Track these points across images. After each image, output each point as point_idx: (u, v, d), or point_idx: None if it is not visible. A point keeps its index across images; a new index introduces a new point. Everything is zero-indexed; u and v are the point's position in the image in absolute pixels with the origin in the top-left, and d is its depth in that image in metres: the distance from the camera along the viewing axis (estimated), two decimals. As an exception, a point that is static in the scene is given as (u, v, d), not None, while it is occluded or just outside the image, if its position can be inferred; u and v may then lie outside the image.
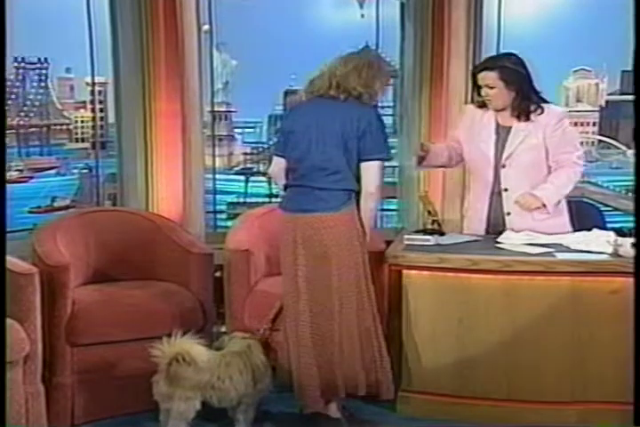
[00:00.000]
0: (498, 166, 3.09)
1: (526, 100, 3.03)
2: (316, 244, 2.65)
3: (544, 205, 3.02)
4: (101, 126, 4.31)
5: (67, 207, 4.16)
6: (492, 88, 3.02)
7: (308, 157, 2.68)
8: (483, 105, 3.13)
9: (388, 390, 2.77)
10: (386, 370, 2.75)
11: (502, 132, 3.09)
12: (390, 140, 4.25)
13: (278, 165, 2.82)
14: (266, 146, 4.57)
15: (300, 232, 2.67)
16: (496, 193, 3.11)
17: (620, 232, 2.90)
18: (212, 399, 2.64)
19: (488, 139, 3.09)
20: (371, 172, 2.67)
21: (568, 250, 2.89)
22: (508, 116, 3.07)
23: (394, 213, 4.21)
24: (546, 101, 3.09)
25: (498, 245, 2.95)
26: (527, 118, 3.03)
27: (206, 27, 4.05)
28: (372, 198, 2.71)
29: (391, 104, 4.29)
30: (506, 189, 3.08)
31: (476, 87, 3.09)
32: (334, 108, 2.67)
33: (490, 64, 3.06)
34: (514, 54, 3.06)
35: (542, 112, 3.03)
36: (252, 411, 2.75)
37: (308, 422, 2.73)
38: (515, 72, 3.00)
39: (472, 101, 3.31)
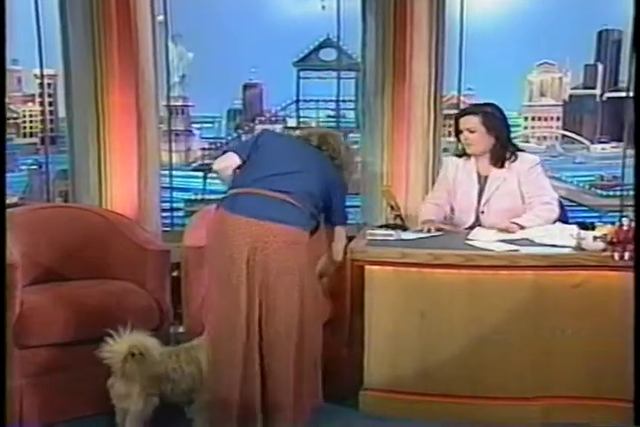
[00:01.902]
0: (478, 213, 3.28)
1: (504, 147, 3.23)
2: (280, 258, 2.55)
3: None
4: (51, 121, 4.28)
5: (15, 205, 4.08)
6: (472, 132, 3.21)
7: (290, 177, 2.66)
8: (462, 154, 3.33)
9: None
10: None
11: (482, 182, 3.28)
12: (353, 135, 4.35)
13: (232, 163, 2.74)
14: (225, 141, 4.57)
15: (258, 241, 2.55)
16: None
17: (583, 225, 2.98)
18: (167, 392, 2.66)
19: (471, 188, 3.29)
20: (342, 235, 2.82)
21: (532, 244, 2.96)
22: (487, 163, 3.26)
23: (357, 208, 4.25)
24: (520, 150, 3.31)
25: (468, 242, 3.00)
26: (502, 165, 3.23)
27: (161, 17, 4.03)
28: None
29: (353, 98, 4.33)
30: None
31: (457, 132, 3.28)
32: (320, 160, 2.78)
33: (473, 109, 3.29)
34: (494, 104, 3.29)
35: (516, 159, 3.23)
36: (207, 412, 2.73)
37: None
38: (496, 119, 3.21)
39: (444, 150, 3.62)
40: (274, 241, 2.55)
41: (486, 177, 3.27)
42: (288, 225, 2.58)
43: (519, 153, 3.27)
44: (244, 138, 4.59)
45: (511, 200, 3.22)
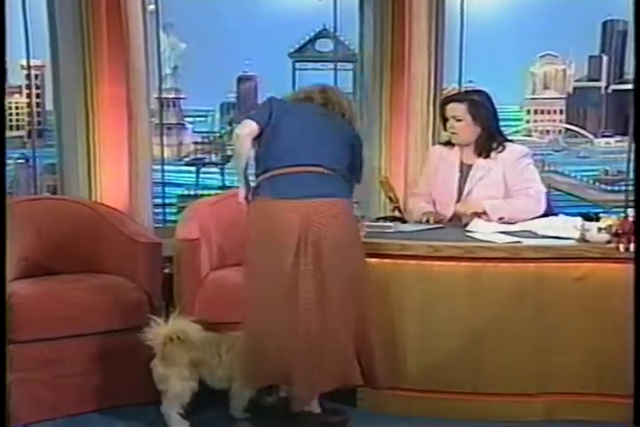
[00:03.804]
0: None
1: (490, 138, 3.24)
2: (330, 232, 2.62)
3: (485, 213, 3.17)
4: (38, 113, 4.30)
5: (1, 199, 4.13)
6: (459, 121, 3.22)
7: (314, 146, 2.71)
8: (447, 143, 3.35)
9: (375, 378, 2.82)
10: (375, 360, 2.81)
11: (465, 170, 3.29)
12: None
13: (252, 129, 2.71)
14: (218, 135, 4.60)
15: (309, 220, 2.61)
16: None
17: (587, 217, 3.01)
18: (206, 378, 2.83)
19: (452, 176, 3.29)
20: None
21: (535, 236, 2.99)
22: (471, 153, 3.28)
23: (355, 203, 4.28)
24: (508, 140, 3.31)
25: (468, 234, 3.03)
26: (487, 155, 3.24)
27: (152, 6, 4.07)
28: None
29: (350, 90, 4.36)
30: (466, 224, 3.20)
31: (443, 120, 3.30)
32: (332, 119, 2.78)
33: (459, 96, 3.32)
34: (483, 91, 3.29)
35: (504, 150, 3.24)
36: (245, 398, 2.88)
37: (293, 418, 2.78)
38: (483, 107, 3.20)
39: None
40: (322, 217, 2.62)
41: (470, 166, 3.27)
42: (332, 198, 2.66)
43: (508, 144, 3.27)
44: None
45: (494, 191, 3.22)
